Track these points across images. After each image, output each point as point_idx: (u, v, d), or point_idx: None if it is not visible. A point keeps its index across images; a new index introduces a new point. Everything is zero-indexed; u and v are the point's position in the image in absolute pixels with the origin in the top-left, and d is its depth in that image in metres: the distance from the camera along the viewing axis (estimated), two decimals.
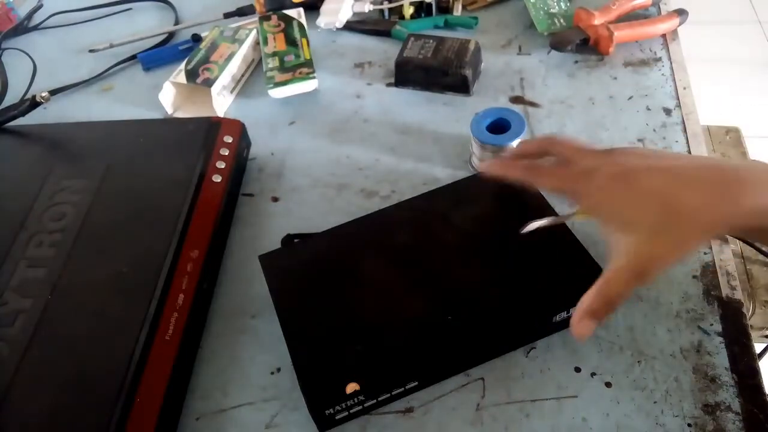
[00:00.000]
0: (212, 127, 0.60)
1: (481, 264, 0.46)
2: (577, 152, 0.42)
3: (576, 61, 0.70)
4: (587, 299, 0.36)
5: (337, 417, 0.43)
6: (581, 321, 0.36)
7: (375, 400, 0.43)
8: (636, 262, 0.36)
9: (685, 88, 0.65)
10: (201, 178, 0.56)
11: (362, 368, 0.42)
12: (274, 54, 0.73)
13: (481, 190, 0.51)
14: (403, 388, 0.44)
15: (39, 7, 0.93)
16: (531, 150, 0.46)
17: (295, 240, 0.54)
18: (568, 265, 0.45)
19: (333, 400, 0.41)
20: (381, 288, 0.46)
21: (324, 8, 0.79)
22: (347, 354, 0.42)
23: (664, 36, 0.71)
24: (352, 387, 0.41)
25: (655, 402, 0.43)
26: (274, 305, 0.46)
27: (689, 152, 0.59)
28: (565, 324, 0.46)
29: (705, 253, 0.51)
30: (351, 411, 0.43)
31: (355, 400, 0.42)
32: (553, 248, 0.46)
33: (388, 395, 0.44)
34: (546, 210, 0.48)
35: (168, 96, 0.71)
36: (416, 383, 0.44)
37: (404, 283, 0.46)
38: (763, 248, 0.54)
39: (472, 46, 0.68)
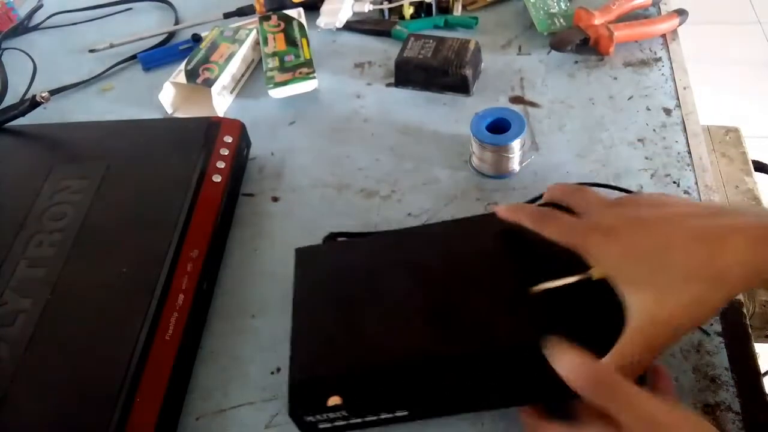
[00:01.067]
0: (212, 127, 0.60)
1: (508, 308, 0.42)
2: (592, 204, 0.40)
3: (576, 61, 0.70)
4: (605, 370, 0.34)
5: (320, 426, 0.41)
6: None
7: (360, 420, 0.41)
8: (645, 326, 0.34)
9: (685, 88, 0.65)
10: (201, 178, 0.56)
11: (350, 384, 0.41)
12: (274, 54, 0.73)
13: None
14: (392, 415, 0.41)
15: (39, 7, 0.93)
16: (554, 197, 0.44)
17: (338, 239, 0.53)
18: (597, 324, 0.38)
19: (313, 408, 0.40)
20: (397, 309, 0.44)
21: (324, 8, 0.79)
22: (341, 366, 0.41)
23: (664, 36, 0.71)
24: (334, 400, 0.40)
25: None
26: (293, 299, 0.46)
27: (689, 152, 0.59)
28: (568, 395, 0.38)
29: None
30: (334, 424, 0.41)
31: (338, 414, 0.40)
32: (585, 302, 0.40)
33: (376, 418, 0.41)
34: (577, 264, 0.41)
35: (168, 96, 0.71)
36: (406, 413, 0.41)
37: (422, 311, 0.43)
38: None
39: (472, 46, 0.68)
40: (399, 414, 0.41)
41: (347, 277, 0.47)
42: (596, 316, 0.38)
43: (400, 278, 0.46)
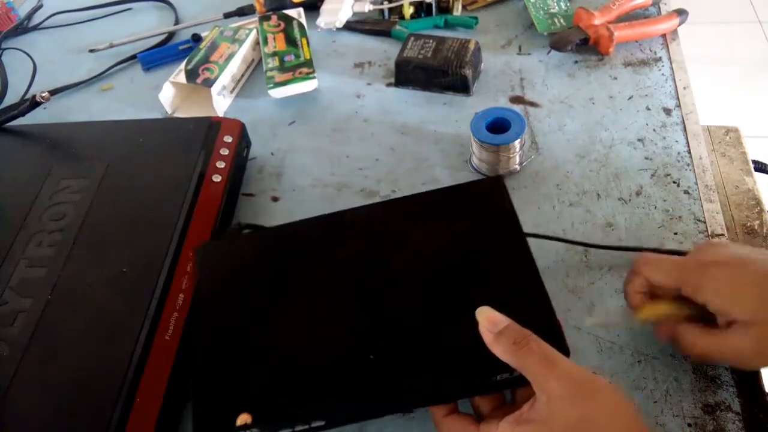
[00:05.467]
0: (212, 126, 0.60)
1: (428, 301, 0.40)
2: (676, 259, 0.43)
3: (576, 61, 0.70)
4: (687, 338, 0.40)
5: None
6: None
7: None
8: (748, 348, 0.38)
9: (685, 88, 0.65)
10: (201, 177, 0.56)
11: (258, 399, 0.38)
12: (274, 54, 0.73)
13: (457, 207, 0.44)
14: (308, 426, 0.38)
15: (39, 7, 0.93)
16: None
17: (244, 231, 0.49)
18: (527, 322, 0.37)
19: (221, 429, 0.37)
20: (311, 307, 0.41)
21: (324, 8, 0.79)
22: (251, 378, 0.38)
23: (664, 36, 0.71)
24: (243, 419, 0.37)
25: (655, 402, 0.43)
26: (194, 306, 0.42)
27: (689, 152, 0.59)
28: (507, 384, 0.38)
29: None
30: None
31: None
32: (517, 299, 0.40)
33: (291, 431, 0.38)
34: (519, 234, 0.42)
35: (168, 96, 0.71)
36: (323, 423, 0.38)
37: (337, 307, 0.40)
38: None
39: (472, 46, 0.68)
40: (316, 424, 0.38)
41: (257, 274, 0.43)
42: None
43: (315, 270, 0.42)
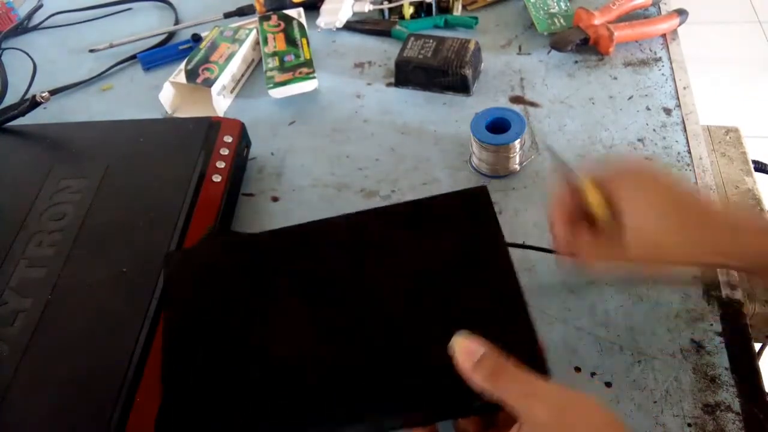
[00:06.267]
0: (212, 126, 0.60)
1: (405, 319, 0.38)
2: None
3: (576, 61, 0.70)
4: (584, 251, 0.43)
5: None
6: (566, 259, 0.44)
7: None
8: (635, 244, 0.41)
9: (685, 88, 0.65)
10: (201, 177, 0.56)
11: (223, 418, 0.36)
12: (274, 54, 0.73)
13: (440, 218, 0.42)
14: None
15: (39, 7, 0.93)
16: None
17: (215, 237, 0.47)
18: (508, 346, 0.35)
19: None
20: (282, 323, 0.39)
21: (324, 8, 0.79)
22: (215, 408, 0.36)
23: (664, 36, 0.71)
24: None
25: (655, 402, 0.43)
26: (163, 320, 0.39)
27: (689, 152, 0.59)
28: (488, 408, 0.35)
29: None
30: None
31: None
32: (498, 320, 0.38)
33: None
34: (502, 250, 0.40)
35: (168, 96, 0.71)
36: None
37: (309, 323, 0.38)
38: None
39: (472, 46, 0.68)
40: None
41: (223, 291, 0.40)
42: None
43: (293, 283, 0.40)
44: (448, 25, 0.77)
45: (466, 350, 0.35)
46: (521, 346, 0.36)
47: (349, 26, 0.79)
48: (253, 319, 0.39)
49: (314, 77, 0.69)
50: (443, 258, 0.40)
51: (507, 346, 0.35)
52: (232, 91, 0.72)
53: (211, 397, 0.37)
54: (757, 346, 0.46)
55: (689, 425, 0.42)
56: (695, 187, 0.47)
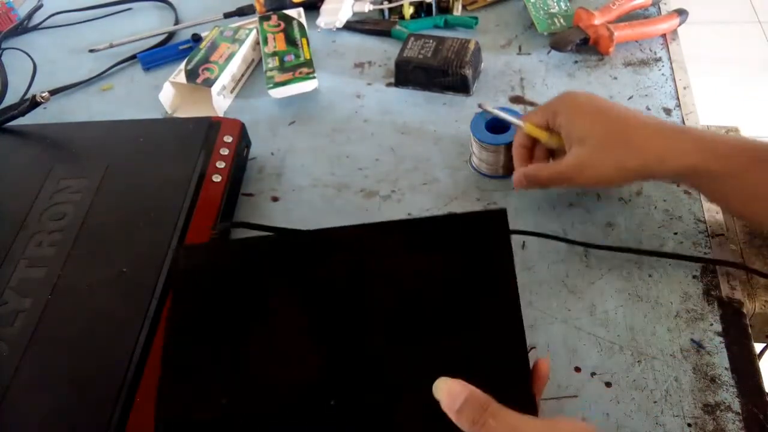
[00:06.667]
0: (212, 126, 0.60)
1: (402, 348, 0.37)
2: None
3: (576, 61, 0.70)
4: (531, 169, 0.52)
5: None
6: (518, 178, 0.53)
7: None
8: (572, 166, 0.49)
9: (685, 88, 0.65)
10: (201, 177, 0.56)
11: (214, 421, 0.36)
12: (274, 54, 0.73)
13: (452, 240, 0.41)
14: None
15: (39, 7, 0.93)
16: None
17: (226, 236, 0.47)
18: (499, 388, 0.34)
19: None
20: (281, 335, 0.39)
21: (324, 8, 0.79)
22: (214, 410, 0.36)
23: (664, 36, 0.71)
24: None
25: (655, 402, 0.43)
26: (167, 318, 0.40)
27: None
28: None
29: (705, 253, 0.51)
30: None
31: None
32: (494, 358, 0.37)
33: None
34: (511, 283, 0.39)
35: (168, 96, 0.71)
36: None
37: (306, 339, 0.38)
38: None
39: (472, 46, 0.68)
40: None
41: (228, 290, 0.40)
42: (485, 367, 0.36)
43: (292, 299, 0.40)
44: (448, 25, 0.77)
45: (449, 394, 0.34)
46: (513, 384, 0.35)
47: (349, 26, 0.79)
48: (252, 325, 0.39)
49: (314, 77, 0.69)
50: (450, 283, 0.39)
51: (499, 382, 0.34)
52: (232, 91, 0.72)
53: (206, 385, 0.37)
54: (757, 346, 0.46)
55: (689, 425, 0.42)
56: (629, 108, 0.50)
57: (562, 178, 0.50)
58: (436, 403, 0.34)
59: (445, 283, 0.39)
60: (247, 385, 0.37)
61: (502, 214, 0.40)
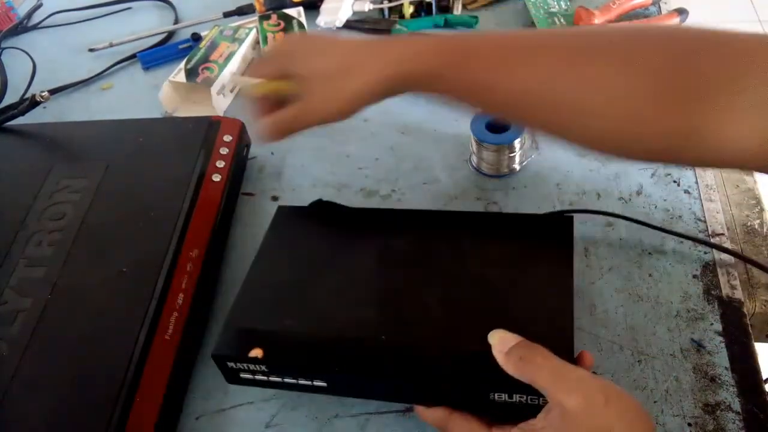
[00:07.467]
0: (212, 126, 0.60)
1: (456, 308, 0.42)
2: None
3: None
4: (277, 116, 0.46)
5: (242, 375, 0.42)
6: (263, 129, 0.46)
7: (280, 379, 0.41)
8: (305, 106, 0.46)
9: None
10: (201, 177, 0.56)
11: (274, 341, 0.41)
12: None
13: (519, 234, 0.46)
14: (311, 383, 0.41)
15: (39, 7, 0.93)
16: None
17: (321, 206, 0.53)
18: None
19: (234, 355, 0.41)
20: (350, 282, 0.45)
21: (324, 7, 0.79)
22: (273, 323, 0.42)
23: None
24: (255, 353, 0.40)
25: (655, 402, 0.43)
26: (258, 251, 0.48)
27: None
28: (506, 408, 0.37)
29: (705, 253, 0.51)
30: (255, 377, 0.42)
31: (259, 368, 0.41)
32: (540, 325, 0.39)
33: (295, 381, 0.41)
34: (568, 277, 0.42)
35: (167, 95, 0.71)
36: (324, 384, 0.41)
37: (373, 288, 0.44)
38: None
39: None
40: (318, 384, 0.41)
41: (317, 243, 0.49)
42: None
43: (367, 257, 0.47)
44: (448, 25, 0.77)
45: (501, 340, 0.37)
46: (558, 343, 0.37)
47: (349, 25, 0.79)
48: (328, 271, 0.46)
49: None
50: (510, 269, 0.44)
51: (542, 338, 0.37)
52: (231, 91, 0.72)
53: (275, 306, 0.44)
54: (757, 346, 0.46)
55: (689, 425, 0.42)
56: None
57: (303, 117, 0.47)
58: (477, 362, 0.37)
59: (508, 266, 0.44)
60: (311, 313, 0.43)
61: (569, 220, 0.46)
